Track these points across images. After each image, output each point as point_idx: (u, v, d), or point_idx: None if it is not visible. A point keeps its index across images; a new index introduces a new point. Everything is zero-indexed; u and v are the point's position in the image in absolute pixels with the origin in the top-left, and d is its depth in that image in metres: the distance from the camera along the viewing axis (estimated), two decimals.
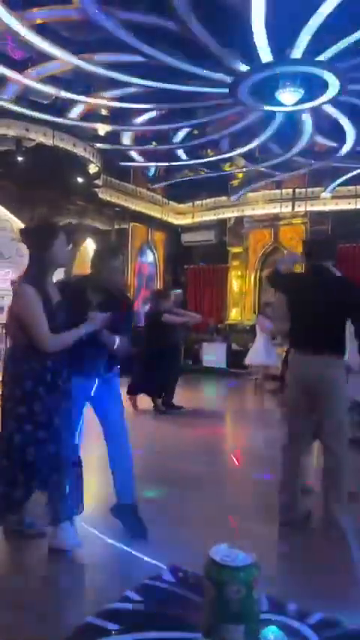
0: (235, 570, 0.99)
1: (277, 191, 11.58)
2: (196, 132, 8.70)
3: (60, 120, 7.77)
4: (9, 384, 2.69)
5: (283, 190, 11.44)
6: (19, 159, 8.09)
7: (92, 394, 2.98)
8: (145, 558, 2.65)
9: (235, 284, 12.75)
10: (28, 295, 2.59)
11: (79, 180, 9.29)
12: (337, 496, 3.07)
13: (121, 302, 3.08)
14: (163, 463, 4.68)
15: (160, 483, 3.99)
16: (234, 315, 12.75)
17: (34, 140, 8.12)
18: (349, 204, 10.90)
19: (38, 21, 5.55)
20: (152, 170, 11.61)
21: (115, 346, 2.91)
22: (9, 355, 2.75)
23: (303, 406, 3.21)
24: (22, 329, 2.64)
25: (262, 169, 10.30)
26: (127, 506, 3.03)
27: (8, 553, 2.92)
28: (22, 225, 9.43)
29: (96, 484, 3.56)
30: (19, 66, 6.43)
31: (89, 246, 11.62)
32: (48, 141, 8.18)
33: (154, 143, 9.15)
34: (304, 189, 11.14)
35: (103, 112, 8.07)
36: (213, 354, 11.94)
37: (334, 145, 8.77)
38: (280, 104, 6.91)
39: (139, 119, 8.02)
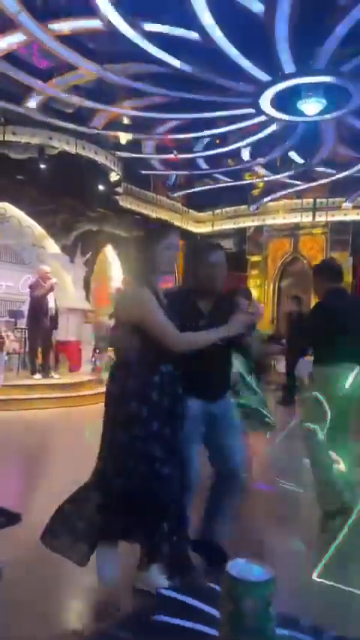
0: (252, 585, 0.98)
1: (298, 201, 11.54)
2: (218, 141, 8.75)
3: (83, 128, 7.88)
4: (112, 408, 2.30)
5: (304, 200, 11.41)
6: (42, 166, 8.22)
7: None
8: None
9: (253, 293, 12.70)
10: (143, 295, 2.27)
11: (101, 187, 9.40)
12: None
13: (234, 301, 2.66)
14: None
15: None
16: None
17: (57, 148, 8.24)
18: None
19: (64, 32, 5.66)
20: (172, 179, 11.69)
21: (249, 344, 2.57)
22: (113, 374, 2.37)
23: None
24: (136, 336, 2.26)
25: (283, 179, 10.29)
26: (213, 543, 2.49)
27: (20, 564, 2.94)
28: (42, 232, 9.57)
29: None
30: (44, 75, 6.56)
31: (109, 253, 11.74)
32: (71, 149, 8.30)
33: (175, 152, 9.22)
34: (325, 200, 11.10)
35: (125, 120, 8.16)
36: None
37: (357, 155, 8.73)
38: (303, 114, 6.93)
39: (161, 128, 8.09)
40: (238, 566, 1.04)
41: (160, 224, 2.70)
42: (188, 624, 1.15)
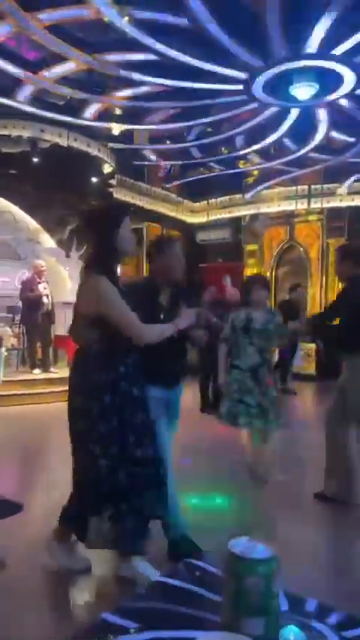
0: (255, 563, 0.98)
1: (293, 188, 11.49)
2: (210, 129, 8.68)
3: (74, 120, 7.81)
4: (81, 399, 2.29)
5: (299, 187, 11.35)
6: (34, 160, 8.16)
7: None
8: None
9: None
10: (106, 285, 2.22)
11: (94, 180, 9.34)
12: None
13: (192, 292, 2.81)
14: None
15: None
16: None
17: (49, 141, 8.18)
18: None
19: (52, 22, 5.58)
20: (167, 169, 11.62)
21: (201, 340, 2.65)
22: (79, 364, 2.36)
23: None
24: (98, 328, 2.25)
25: (278, 166, 10.23)
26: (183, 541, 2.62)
27: (22, 553, 2.94)
28: (37, 226, 9.52)
29: None
30: (34, 67, 6.48)
31: None
32: (63, 141, 8.23)
33: (167, 142, 9.16)
34: (319, 186, 11.04)
35: (117, 111, 8.09)
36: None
37: (351, 140, 8.68)
38: (295, 100, 6.87)
39: (153, 118, 8.02)
40: (241, 545, 1.04)
41: (114, 207, 2.70)
42: (189, 609, 1.15)
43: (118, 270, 2.51)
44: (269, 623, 0.98)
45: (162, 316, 2.54)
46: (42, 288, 7.70)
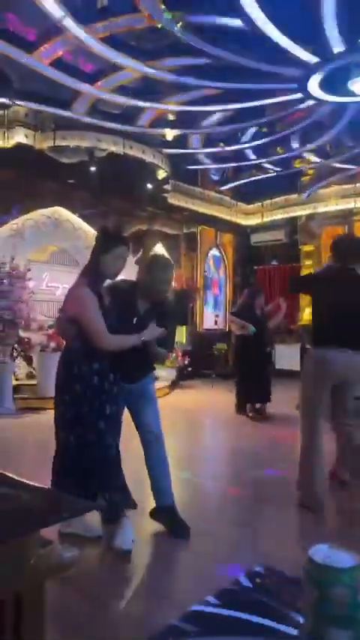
0: (340, 571, 0.93)
1: (351, 186, 11.16)
2: (264, 130, 8.58)
3: (129, 128, 7.94)
4: (60, 388, 2.77)
5: (357, 185, 11.01)
6: (92, 169, 8.36)
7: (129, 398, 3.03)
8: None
9: None
10: (85, 295, 2.67)
11: (149, 186, 9.45)
12: None
13: (166, 313, 3.04)
14: (241, 467, 4.61)
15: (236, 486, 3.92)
16: (307, 315, 12.39)
17: (105, 150, 8.35)
18: None
19: (106, 33, 5.70)
20: (219, 174, 11.58)
21: (162, 357, 3.07)
22: (62, 356, 2.83)
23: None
24: (78, 327, 2.69)
25: (334, 164, 9.97)
26: (167, 508, 3.07)
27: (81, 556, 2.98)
28: (95, 234, 9.75)
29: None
30: (91, 78, 6.64)
31: (159, 251, 11.80)
32: (119, 150, 8.39)
33: (221, 144, 9.13)
34: None
35: (171, 116, 8.15)
36: (286, 357, 11.68)
37: None
38: (353, 94, 6.66)
39: (207, 121, 8.02)
40: (322, 552, 0.99)
41: (113, 234, 2.95)
42: (254, 617, 1.12)
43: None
44: (355, 636, 0.93)
45: (134, 320, 2.88)
46: None
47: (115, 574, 2.64)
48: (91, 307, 2.65)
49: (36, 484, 1.30)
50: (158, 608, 2.27)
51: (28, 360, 7.90)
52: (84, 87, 6.69)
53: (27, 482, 1.30)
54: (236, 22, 5.44)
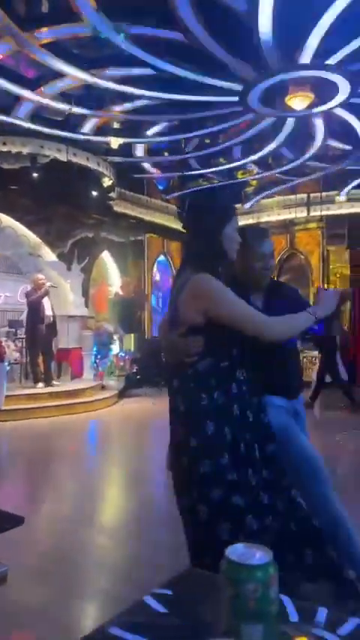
0: (252, 568, 0.97)
1: (292, 196, 11.55)
2: (207, 141, 8.76)
3: (73, 135, 7.90)
4: (184, 430, 1.73)
5: (298, 195, 11.41)
6: (35, 175, 8.24)
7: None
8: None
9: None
10: (215, 282, 1.76)
11: (94, 193, 9.41)
12: None
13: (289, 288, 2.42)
14: None
15: None
16: None
17: (48, 156, 8.26)
18: None
19: (49, 39, 5.67)
20: (165, 183, 11.69)
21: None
22: (180, 388, 1.78)
23: None
24: (204, 336, 1.74)
25: (276, 175, 10.30)
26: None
27: (24, 567, 2.92)
28: (38, 241, 9.58)
29: None
30: (32, 84, 6.57)
31: (106, 258, 11.75)
32: (62, 157, 8.31)
33: (165, 154, 9.23)
34: (318, 194, 11.10)
35: (116, 125, 8.18)
36: None
37: (348, 147, 8.73)
38: (291, 110, 6.92)
39: (151, 131, 8.10)
40: (238, 551, 1.03)
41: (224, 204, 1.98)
42: (194, 620, 1.14)
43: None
44: (268, 630, 0.97)
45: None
46: (44, 301, 7.73)
47: None
48: (227, 294, 1.76)
49: None
50: None
51: None
52: (25, 92, 6.60)
53: None
54: (177, 35, 5.55)
